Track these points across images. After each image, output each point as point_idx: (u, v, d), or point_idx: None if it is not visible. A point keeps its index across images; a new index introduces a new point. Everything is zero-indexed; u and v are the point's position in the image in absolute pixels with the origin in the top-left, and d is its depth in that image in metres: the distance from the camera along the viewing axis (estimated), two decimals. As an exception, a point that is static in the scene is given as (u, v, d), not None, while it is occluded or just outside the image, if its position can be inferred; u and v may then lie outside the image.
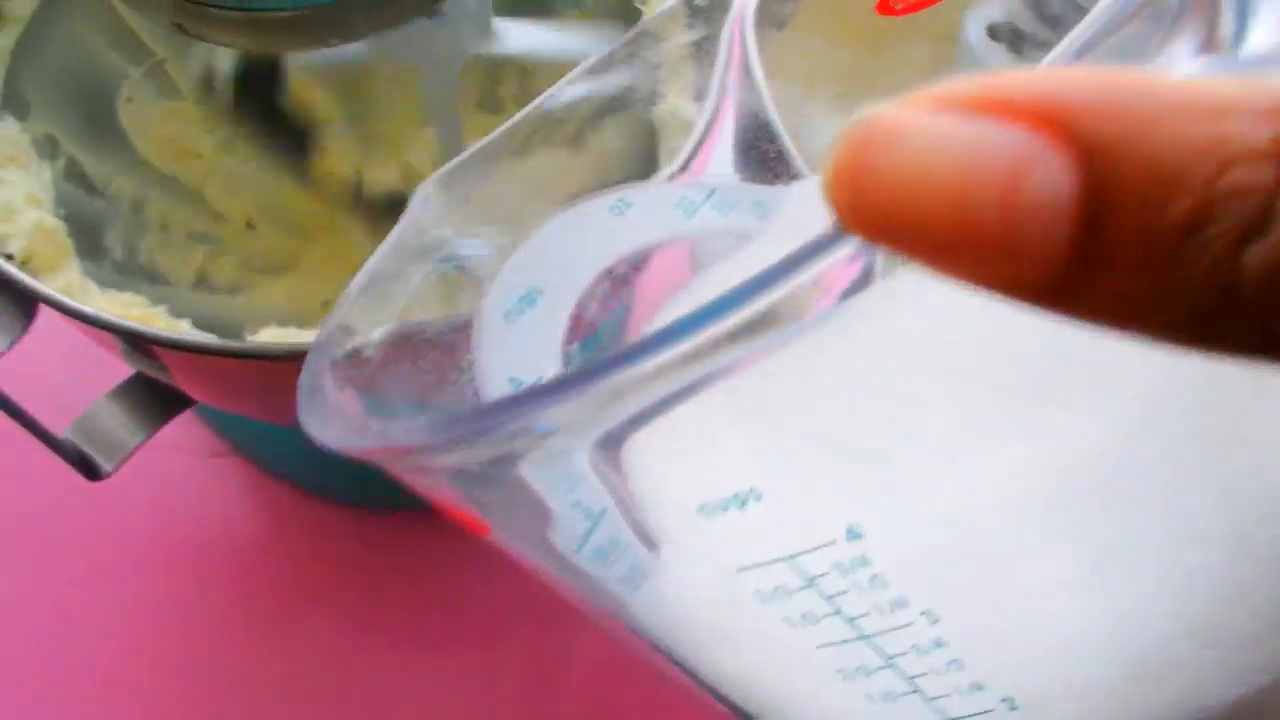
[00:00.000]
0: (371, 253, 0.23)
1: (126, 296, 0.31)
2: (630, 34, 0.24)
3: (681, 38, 0.24)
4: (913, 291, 0.14)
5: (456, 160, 0.23)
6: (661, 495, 0.18)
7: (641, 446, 0.17)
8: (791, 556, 0.17)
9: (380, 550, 0.44)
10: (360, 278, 0.22)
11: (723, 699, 0.20)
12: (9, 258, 0.30)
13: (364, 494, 0.45)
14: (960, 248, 0.10)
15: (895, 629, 0.17)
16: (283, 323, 0.33)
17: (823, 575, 0.17)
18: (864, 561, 0.17)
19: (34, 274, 0.31)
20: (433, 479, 0.17)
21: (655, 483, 0.18)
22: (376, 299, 0.22)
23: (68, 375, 0.36)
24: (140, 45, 0.39)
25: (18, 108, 0.34)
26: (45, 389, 0.34)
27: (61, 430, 0.34)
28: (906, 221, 0.10)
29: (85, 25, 0.37)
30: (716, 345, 0.13)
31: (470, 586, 0.43)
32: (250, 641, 0.42)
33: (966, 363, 0.17)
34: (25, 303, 0.29)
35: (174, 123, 0.39)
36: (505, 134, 0.24)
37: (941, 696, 0.18)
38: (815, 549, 0.17)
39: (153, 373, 0.34)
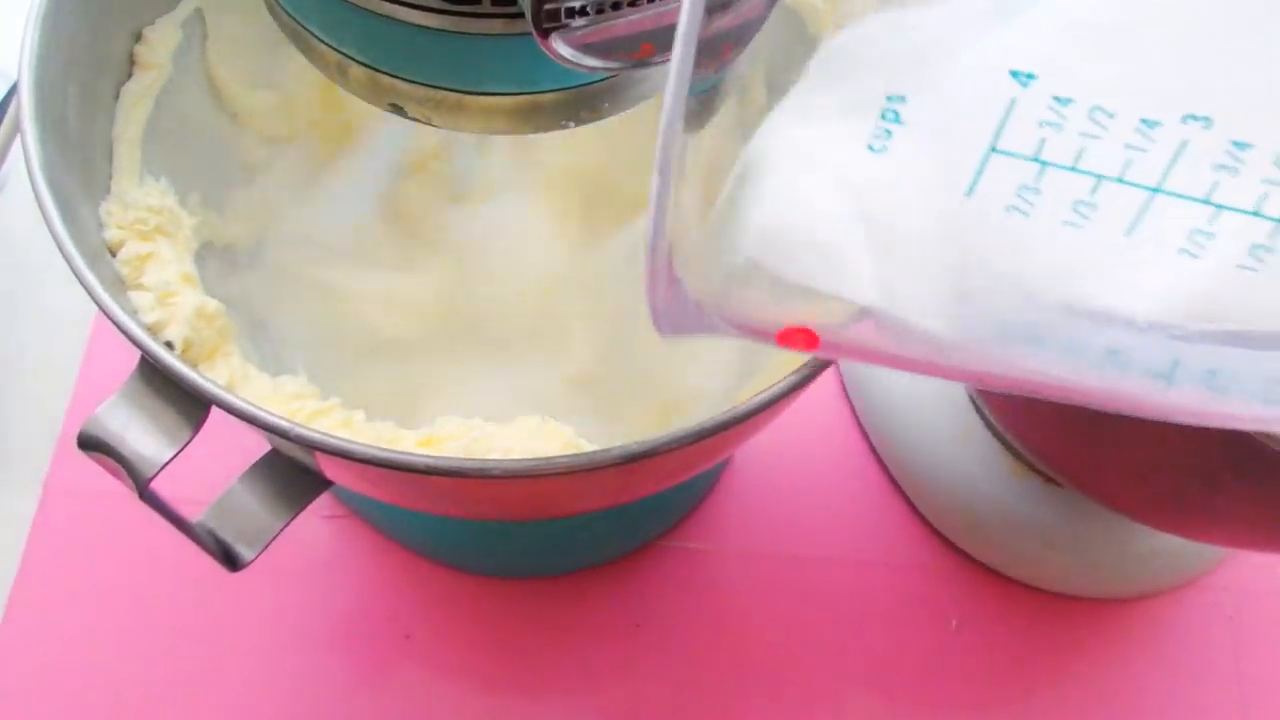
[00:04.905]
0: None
1: (293, 385, 0.28)
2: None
3: None
4: None
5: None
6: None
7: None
8: (992, 145, 0.15)
9: (492, 613, 0.42)
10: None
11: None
12: (169, 346, 0.27)
13: (476, 558, 0.42)
14: None
15: (1176, 159, 0.15)
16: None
17: (1044, 145, 0.15)
18: (1062, 99, 0.15)
19: (194, 364, 0.27)
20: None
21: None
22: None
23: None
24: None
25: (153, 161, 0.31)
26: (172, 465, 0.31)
27: (194, 515, 0.31)
28: None
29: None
30: None
31: (582, 637, 0.41)
32: (360, 700, 0.40)
33: None
34: (195, 404, 0.25)
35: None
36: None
37: None
38: (1001, 121, 0.15)
39: (299, 458, 0.31)
